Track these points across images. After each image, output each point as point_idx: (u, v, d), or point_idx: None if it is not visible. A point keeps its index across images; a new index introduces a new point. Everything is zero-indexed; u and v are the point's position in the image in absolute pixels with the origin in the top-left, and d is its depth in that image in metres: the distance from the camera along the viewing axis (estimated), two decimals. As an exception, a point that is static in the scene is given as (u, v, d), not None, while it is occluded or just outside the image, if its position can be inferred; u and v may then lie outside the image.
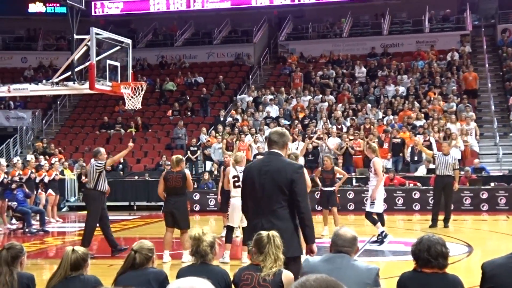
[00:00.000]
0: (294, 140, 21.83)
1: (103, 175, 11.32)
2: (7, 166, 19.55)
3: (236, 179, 10.52)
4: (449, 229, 14.42)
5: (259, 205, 5.60)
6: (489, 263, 4.28)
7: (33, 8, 34.01)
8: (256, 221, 5.53)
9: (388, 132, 21.60)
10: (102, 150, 11.71)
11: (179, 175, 10.64)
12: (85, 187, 11.60)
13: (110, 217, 18.96)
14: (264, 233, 4.61)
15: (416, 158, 20.78)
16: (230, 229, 10.73)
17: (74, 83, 12.34)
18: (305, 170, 5.95)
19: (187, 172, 10.98)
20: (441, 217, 14.78)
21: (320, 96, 25.68)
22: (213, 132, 23.60)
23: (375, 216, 12.16)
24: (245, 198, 5.84)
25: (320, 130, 22.35)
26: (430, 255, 4.16)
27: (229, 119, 25.20)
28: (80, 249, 4.76)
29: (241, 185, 6.20)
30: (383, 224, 12.18)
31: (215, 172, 20.83)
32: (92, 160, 11.56)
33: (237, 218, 10.47)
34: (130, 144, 12.07)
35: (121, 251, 11.11)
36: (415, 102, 23.91)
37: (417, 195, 18.89)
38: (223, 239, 11.75)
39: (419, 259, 4.21)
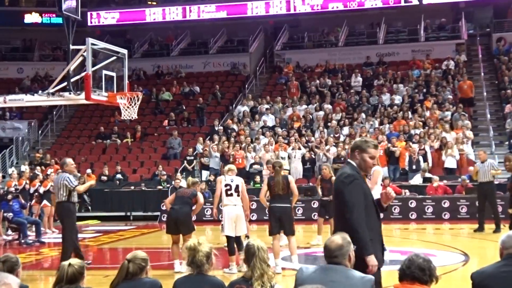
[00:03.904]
0: (293, 149, 21.87)
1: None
2: (3, 177, 19.52)
3: (228, 187, 10.53)
4: (500, 233, 14.67)
5: None
6: (478, 273, 4.31)
7: (29, 18, 33.96)
8: None
9: (383, 140, 21.59)
10: (68, 160, 11.27)
11: (189, 191, 10.92)
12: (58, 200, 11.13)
13: (106, 228, 19.01)
14: (252, 243, 4.56)
15: (414, 167, 20.75)
16: (228, 239, 10.56)
17: (70, 93, 12.36)
18: (356, 180, 4.91)
19: (200, 195, 11.01)
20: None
21: (315, 105, 25.63)
22: (209, 141, 23.59)
23: None
24: None
25: (317, 139, 22.35)
26: (411, 266, 4.18)
27: (220, 127, 25.17)
28: (76, 263, 4.75)
29: None
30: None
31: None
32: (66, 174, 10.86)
33: (230, 227, 10.39)
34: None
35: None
36: (409, 112, 23.92)
37: (413, 204, 18.87)
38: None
39: (400, 271, 4.24)
